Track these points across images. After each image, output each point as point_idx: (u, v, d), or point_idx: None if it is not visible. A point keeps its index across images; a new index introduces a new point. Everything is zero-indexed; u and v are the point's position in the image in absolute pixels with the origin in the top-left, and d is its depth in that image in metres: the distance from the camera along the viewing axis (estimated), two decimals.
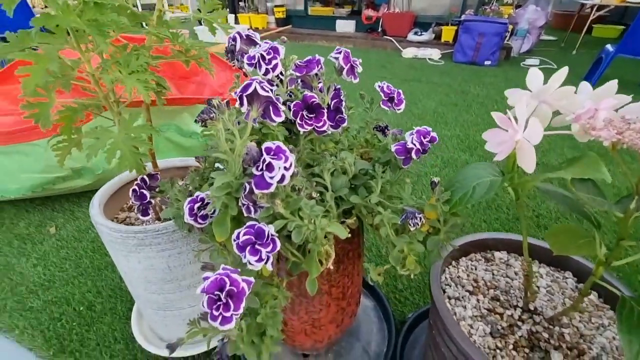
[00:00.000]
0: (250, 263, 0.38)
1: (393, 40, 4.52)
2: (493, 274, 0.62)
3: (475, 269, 0.63)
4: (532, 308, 0.55)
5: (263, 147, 0.37)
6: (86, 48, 0.53)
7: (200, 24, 5.36)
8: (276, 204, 0.37)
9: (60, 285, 1.05)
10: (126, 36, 1.74)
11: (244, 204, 0.40)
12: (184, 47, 0.63)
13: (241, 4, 5.66)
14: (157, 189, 0.60)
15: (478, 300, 0.57)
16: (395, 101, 0.55)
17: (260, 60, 0.44)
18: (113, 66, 0.53)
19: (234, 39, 0.51)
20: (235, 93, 0.41)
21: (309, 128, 0.48)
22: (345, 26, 5.26)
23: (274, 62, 0.44)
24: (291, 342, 0.71)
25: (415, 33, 4.49)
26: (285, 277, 0.51)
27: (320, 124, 0.48)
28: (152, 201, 0.58)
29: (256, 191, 0.37)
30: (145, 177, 0.58)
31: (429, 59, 4.06)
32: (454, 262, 0.65)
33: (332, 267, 0.48)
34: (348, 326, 0.73)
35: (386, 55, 4.30)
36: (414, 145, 0.46)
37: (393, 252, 0.48)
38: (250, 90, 0.40)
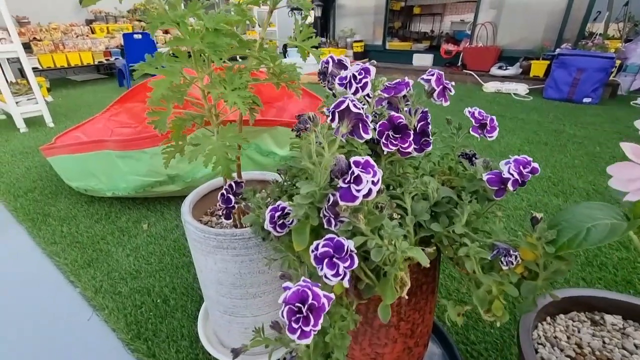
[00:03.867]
0: (326, 277, 0.38)
1: (474, 74, 4.35)
2: (604, 342, 0.51)
3: (579, 332, 0.53)
4: None
5: (352, 160, 0.37)
6: (201, 68, 0.61)
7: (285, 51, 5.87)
8: (359, 218, 0.37)
9: (145, 277, 1.17)
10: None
11: (325, 216, 0.41)
12: (279, 70, 0.69)
13: (322, 39, 6.08)
14: (240, 196, 0.64)
15: None
16: (488, 128, 0.51)
17: (352, 80, 0.46)
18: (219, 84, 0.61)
19: (327, 62, 0.54)
20: (328, 109, 0.43)
21: (394, 148, 0.47)
22: (423, 60, 5.25)
23: (364, 81, 0.45)
24: None
25: (500, 67, 4.26)
26: (355, 299, 0.49)
27: (406, 145, 0.47)
28: (235, 206, 0.62)
29: (341, 203, 0.37)
30: (232, 183, 0.63)
31: (514, 94, 3.79)
32: (549, 319, 0.55)
33: (405, 297, 0.45)
34: None
35: (465, 89, 4.14)
36: (512, 175, 0.42)
37: (478, 291, 0.43)
38: (343, 107, 0.41)
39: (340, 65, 0.55)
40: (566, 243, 0.38)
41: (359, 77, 0.46)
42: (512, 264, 0.40)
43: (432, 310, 0.62)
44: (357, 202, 0.36)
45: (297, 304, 0.35)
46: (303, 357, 0.39)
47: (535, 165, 0.43)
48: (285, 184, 0.61)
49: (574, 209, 0.41)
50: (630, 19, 4.80)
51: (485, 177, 0.44)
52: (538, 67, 3.99)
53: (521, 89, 3.83)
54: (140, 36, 4.12)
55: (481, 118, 0.51)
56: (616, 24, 4.84)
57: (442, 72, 0.46)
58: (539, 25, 4.14)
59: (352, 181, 0.36)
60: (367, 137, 0.43)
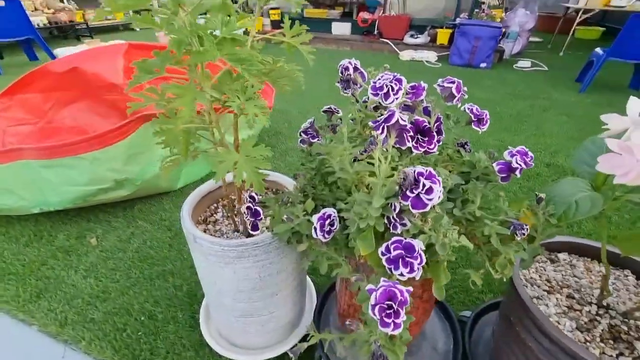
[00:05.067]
0: (402, 275, 0.43)
1: (390, 43, 4.61)
2: (562, 275, 0.69)
3: (545, 270, 0.70)
4: (605, 304, 0.62)
5: (415, 172, 0.42)
6: (205, 79, 0.56)
7: None
8: (428, 221, 0.43)
9: (116, 296, 1.07)
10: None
11: (390, 222, 0.45)
12: (278, 75, 0.67)
13: (235, 6, 5.62)
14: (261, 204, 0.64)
15: (557, 299, 0.63)
16: (484, 122, 0.61)
17: (390, 91, 0.49)
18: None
19: (347, 69, 0.56)
20: (376, 123, 0.46)
21: (422, 150, 0.53)
22: (341, 28, 5.32)
23: (400, 92, 0.49)
24: None
25: (412, 36, 4.60)
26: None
27: (432, 146, 0.54)
28: (263, 217, 0.62)
29: (414, 211, 0.42)
30: (253, 194, 0.62)
31: (426, 61, 4.17)
32: None
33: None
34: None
35: (384, 58, 4.39)
36: (519, 165, 0.52)
37: (499, 259, 0.54)
38: (392, 121, 0.45)
39: (358, 71, 0.58)
40: (563, 215, 0.50)
41: (395, 88, 0.49)
42: (524, 235, 0.51)
43: None
44: (427, 209, 0.42)
45: (387, 302, 0.41)
46: (387, 344, 0.45)
47: (531, 154, 0.54)
48: (307, 187, 0.63)
49: (560, 185, 0.54)
50: None
51: (496, 167, 0.54)
52: (443, 36, 4.42)
53: (432, 56, 4.23)
54: (2, 3, 3.23)
55: (479, 114, 0.60)
56: None
57: (460, 81, 0.53)
58: None
59: (422, 192, 0.41)
60: (409, 145, 0.48)
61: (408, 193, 0.42)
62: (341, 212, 0.53)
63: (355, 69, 0.57)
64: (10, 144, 1.80)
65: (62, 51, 3.67)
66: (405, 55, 4.28)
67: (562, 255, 0.74)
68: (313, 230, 0.52)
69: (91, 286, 1.10)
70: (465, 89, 0.57)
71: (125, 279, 1.13)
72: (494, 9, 4.58)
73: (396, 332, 0.40)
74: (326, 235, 0.52)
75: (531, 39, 5.24)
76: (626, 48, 2.89)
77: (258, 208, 0.60)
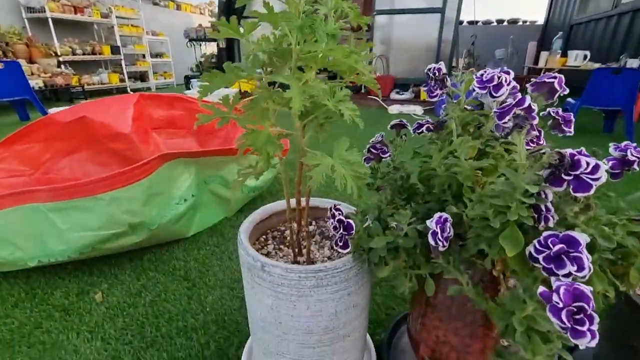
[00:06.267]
0: (568, 274, 0.36)
1: (377, 99, 4.93)
2: None
3: None
4: None
5: (567, 153, 0.38)
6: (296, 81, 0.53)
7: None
8: (592, 208, 0.37)
9: None
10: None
11: (540, 213, 0.40)
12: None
13: None
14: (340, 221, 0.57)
15: None
16: (570, 124, 0.59)
17: (502, 82, 0.47)
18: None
19: (439, 70, 0.54)
20: (503, 109, 0.43)
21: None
22: None
23: (512, 83, 0.47)
24: None
25: (397, 92, 4.96)
26: None
27: (542, 142, 0.51)
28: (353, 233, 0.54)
29: (578, 195, 0.36)
30: (339, 206, 0.55)
31: (414, 114, 4.43)
32: None
33: None
34: None
35: (374, 112, 4.64)
36: (636, 157, 0.49)
37: (637, 263, 0.48)
38: (525, 104, 0.42)
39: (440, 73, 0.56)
40: None
41: (507, 78, 0.47)
42: None
43: None
44: (592, 191, 0.37)
45: (576, 304, 0.33)
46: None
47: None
48: (396, 199, 0.57)
49: None
50: (471, 55, 6.34)
51: (608, 163, 0.51)
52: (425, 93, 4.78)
53: (418, 110, 4.51)
54: (1, 65, 3.27)
55: (565, 115, 0.59)
56: (462, 59, 6.32)
57: (562, 75, 0.52)
58: (420, 58, 5.01)
59: (586, 172, 0.37)
60: (534, 133, 0.45)
61: (564, 176, 0.37)
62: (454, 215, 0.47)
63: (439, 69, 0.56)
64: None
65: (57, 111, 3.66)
66: (394, 109, 4.55)
67: None
68: (430, 237, 0.44)
69: (98, 351, 0.92)
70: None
71: (140, 339, 0.95)
72: (466, 69, 5.10)
73: (593, 344, 0.32)
74: (445, 243, 0.45)
75: None
76: (594, 96, 3.21)
77: (351, 221, 0.53)
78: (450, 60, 5.00)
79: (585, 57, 4.53)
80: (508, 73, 0.48)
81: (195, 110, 2.08)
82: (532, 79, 0.52)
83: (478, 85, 0.49)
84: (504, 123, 0.42)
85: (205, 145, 2.11)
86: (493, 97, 0.48)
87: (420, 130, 0.64)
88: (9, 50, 4.58)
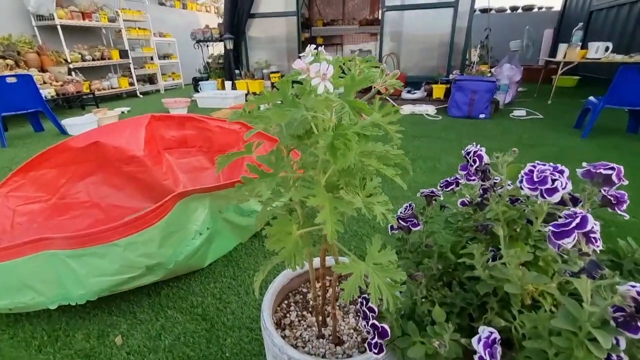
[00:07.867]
0: None
1: (388, 98, 4.82)
2: None
3: None
4: None
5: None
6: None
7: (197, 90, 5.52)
8: None
9: None
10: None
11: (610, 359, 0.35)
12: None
13: (237, 71, 5.94)
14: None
15: None
16: (622, 203, 0.54)
17: (558, 185, 0.42)
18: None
19: (481, 157, 0.50)
20: (559, 227, 0.38)
21: None
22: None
23: (568, 185, 0.42)
24: None
25: (409, 91, 4.84)
26: None
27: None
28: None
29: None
30: (371, 305, 0.52)
31: (427, 114, 4.32)
32: None
33: None
34: None
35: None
36: None
37: None
38: (587, 228, 0.37)
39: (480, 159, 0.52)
40: None
41: (562, 182, 0.42)
42: None
43: None
44: None
45: None
46: None
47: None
48: (439, 275, 0.53)
49: None
50: (485, 47, 6.11)
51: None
52: (438, 90, 4.66)
53: (430, 109, 4.40)
54: (14, 79, 3.30)
55: (618, 196, 0.53)
56: (476, 50, 6.10)
57: (621, 167, 0.47)
58: (432, 55, 4.87)
59: None
60: (592, 247, 0.40)
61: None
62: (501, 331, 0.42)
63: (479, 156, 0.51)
64: (19, 224, 1.69)
65: (70, 121, 3.69)
66: (406, 109, 4.45)
67: None
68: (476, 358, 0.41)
69: None
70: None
71: None
72: (483, 65, 4.93)
73: None
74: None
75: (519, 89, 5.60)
76: (619, 96, 3.05)
77: (386, 327, 0.49)
78: (464, 57, 4.84)
79: (607, 48, 4.32)
80: (562, 172, 0.43)
81: (205, 129, 2.06)
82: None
83: (528, 186, 0.44)
84: (561, 242, 0.38)
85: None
86: (544, 198, 0.43)
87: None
88: (21, 59, 4.62)
